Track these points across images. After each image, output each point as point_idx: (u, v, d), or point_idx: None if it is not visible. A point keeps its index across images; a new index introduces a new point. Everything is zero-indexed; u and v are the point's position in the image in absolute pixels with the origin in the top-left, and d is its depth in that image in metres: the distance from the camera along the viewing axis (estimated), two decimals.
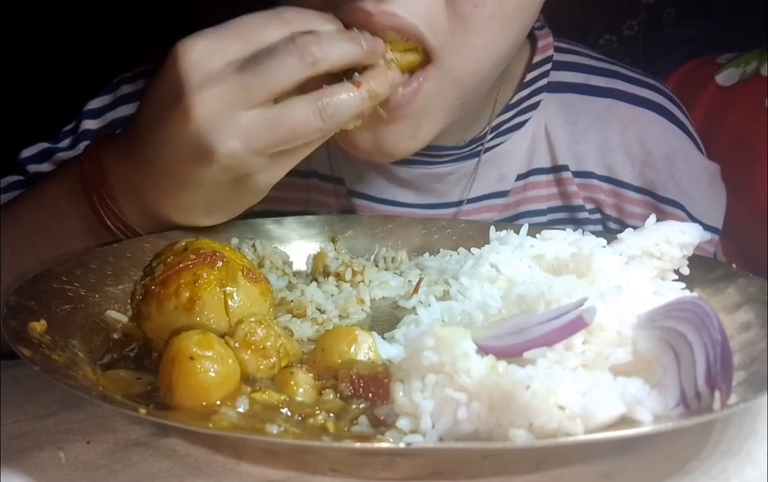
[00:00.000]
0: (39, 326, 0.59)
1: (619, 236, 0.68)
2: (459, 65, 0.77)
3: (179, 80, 0.67)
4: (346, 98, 0.69)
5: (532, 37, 0.98)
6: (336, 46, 0.69)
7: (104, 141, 0.77)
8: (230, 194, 0.73)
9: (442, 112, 0.80)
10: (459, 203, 0.97)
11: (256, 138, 0.67)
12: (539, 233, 0.70)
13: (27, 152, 0.97)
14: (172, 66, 0.67)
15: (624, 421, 0.48)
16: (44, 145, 0.98)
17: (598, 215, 1.00)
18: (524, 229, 0.72)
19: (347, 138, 0.79)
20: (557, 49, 1.00)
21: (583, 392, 0.48)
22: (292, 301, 0.73)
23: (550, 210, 0.99)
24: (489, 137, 0.96)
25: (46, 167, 0.96)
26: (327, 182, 0.99)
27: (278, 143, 0.68)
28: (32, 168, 0.96)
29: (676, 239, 0.66)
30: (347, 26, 0.72)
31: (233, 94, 0.66)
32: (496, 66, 0.82)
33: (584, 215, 0.98)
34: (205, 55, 0.67)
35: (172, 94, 0.67)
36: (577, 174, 0.99)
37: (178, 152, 0.69)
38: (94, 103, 1.00)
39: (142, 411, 0.50)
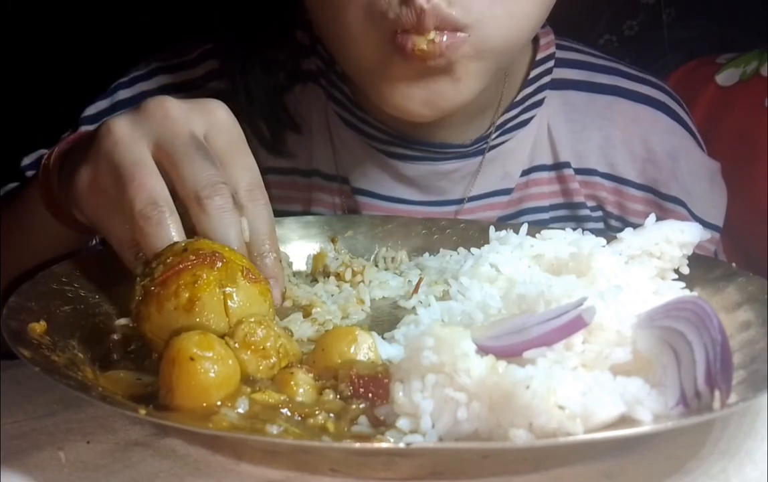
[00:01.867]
0: (39, 327, 0.59)
1: (618, 235, 0.68)
2: (496, 34, 0.78)
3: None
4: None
5: (534, 36, 0.98)
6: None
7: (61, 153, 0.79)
8: None
9: (480, 72, 0.81)
10: (462, 201, 0.97)
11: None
12: (539, 232, 0.70)
13: (27, 160, 0.97)
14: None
15: (624, 421, 0.48)
16: (42, 152, 0.97)
17: (599, 213, 1.00)
18: (524, 229, 0.72)
19: (394, 101, 0.80)
20: (559, 47, 1.00)
21: (583, 392, 0.48)
22: (303, 302, 0.73)
23: (552, 207, 1.00)
24: (494, 135, 0.96)
25: None
26: (330, 181, 0.99)
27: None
28: (31, 174, 0.96)
29: (676, 239, 0.66)
30: (399, 27, 0.75)
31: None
32: (525, 36, 0.85)
33: (585, 212, 0.99)
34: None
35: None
36: (579, 171, 0.99)
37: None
38: (92, 110, 1.00)
39: (142, 411, 0.50)
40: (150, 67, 1.00)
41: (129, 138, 0.65)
